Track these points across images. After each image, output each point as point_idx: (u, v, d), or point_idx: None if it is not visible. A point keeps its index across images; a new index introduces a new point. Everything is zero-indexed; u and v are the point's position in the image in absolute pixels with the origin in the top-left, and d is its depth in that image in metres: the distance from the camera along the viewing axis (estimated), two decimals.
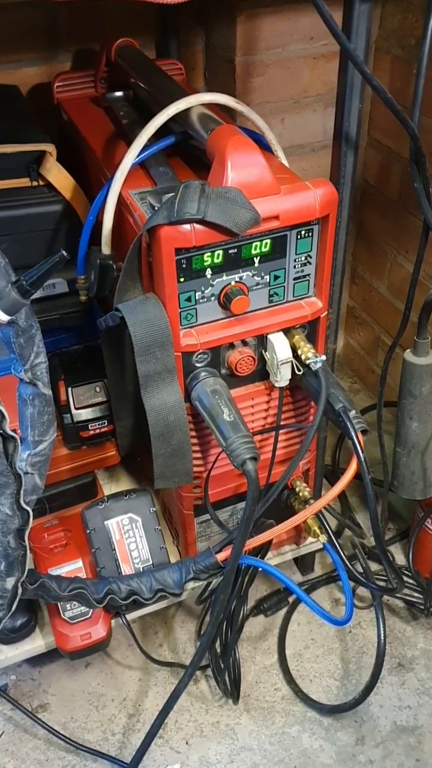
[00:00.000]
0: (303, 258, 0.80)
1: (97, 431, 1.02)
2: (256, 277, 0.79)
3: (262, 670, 1.15)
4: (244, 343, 0.83)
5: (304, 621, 1.21)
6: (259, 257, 0.77)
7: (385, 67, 1.27)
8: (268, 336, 0.82)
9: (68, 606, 0.96)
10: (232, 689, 1.08)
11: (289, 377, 0.84)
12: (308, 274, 0.82)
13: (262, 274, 0.79)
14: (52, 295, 0.98)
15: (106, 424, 1.01)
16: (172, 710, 0.91)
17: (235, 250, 0.75)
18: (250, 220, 0.71)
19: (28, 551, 0.75)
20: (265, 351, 0.84)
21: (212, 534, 1.02)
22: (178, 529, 1.04)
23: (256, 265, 0.78)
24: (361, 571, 1.15)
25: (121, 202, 0.81)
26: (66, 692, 1.12)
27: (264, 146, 0.85)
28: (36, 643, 1.00)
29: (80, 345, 1.07)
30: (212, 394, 0.79)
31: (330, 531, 1.01)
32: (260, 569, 0.87)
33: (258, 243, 0.76)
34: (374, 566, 1.23)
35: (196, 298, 0.77)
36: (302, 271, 0.81)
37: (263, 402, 0.89)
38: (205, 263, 0.74)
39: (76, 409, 1.00)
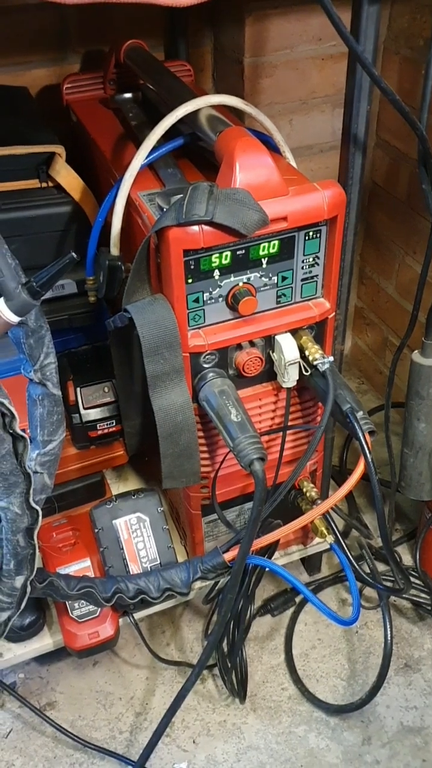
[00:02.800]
0: (311, 259, 0.80)
1: (106, 431, 1.02)
2: (263, 278, 0.79)
3: (268, 669, 1.15)
4: (252, 344, 0.83)
5: (311, 621, 1.21)
6: (266, 258, 0.77)
7: (393, 68, 1.27)
8: (276, 337, 0.82)
9: (76, 605, 0.96)
10: (238, 688, 1.08)
11: (297, 378, 0.84)
12: (316, 275, 0.82)
13: (270, 275, 0.79)
14: (62, 296, 0.98)
15: (114, 424, 1.02)
16: (179, 709, 0.91)
17: (243, 252, 0.76)
18: (258, 221, 0.71)
19: (37, 550, 0.76)
20: (273, 352, 0.84)
21: (219, 534, 1.02)
22: (185, 528, 1.04)
23: (264, 266, 0.78)
24: (368, 571, 1.15)
25: (129, 203, 0.82)
26: (74, 690, 1.13)
27: (272, 147, 0.85)
28: (44, 642, 1.01)
29: (89, 345, 1.08)
30: (220, 394, 0.80)
31: (337, 531, 1.01)
32: (267, 569, 0.88)
33: (266, 244, 0.76)
34: (381, 567, 1.23)
35: (204, 299, 0.77)
36: (310, 272, 0.81)
37: (270, 403, 0.89)
38: (213, 264, 0.75)
39: (85, 409, 1.00)
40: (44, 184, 0.94)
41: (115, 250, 0.84)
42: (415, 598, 1.20)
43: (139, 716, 1.09)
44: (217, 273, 0.76)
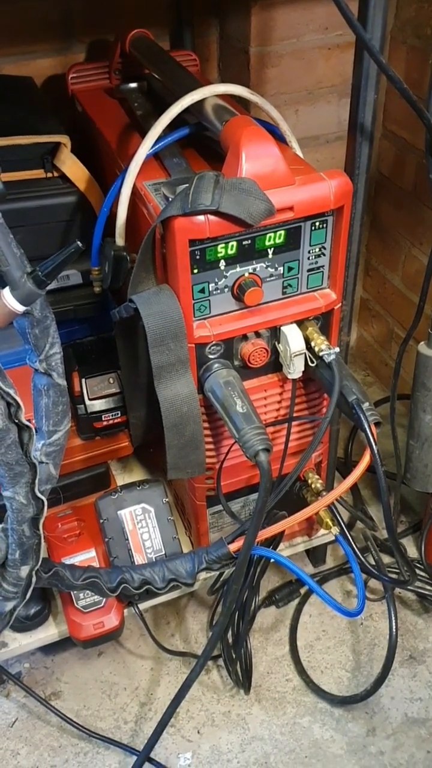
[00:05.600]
0: (317, 249, 0.80)
1: (111, 422, 1.02)
2: (269, 269, 0.79)
3: (273, 660, 1.15)
4: (258, 334, 0.83)
5: (316, 612, 1.21)
6: (273, 249, 0.77)
7: (400, 57, 1.26)
8: (282, 328, 0.82)
9: (81, 595, 0.97)
10: (243, 679, 1.08)
11: (303, 369, 0.84)
12: (322, 266, 0.82)
13: (276, 266, 0.79)
14: (67, 287, 0.98)
15: (119, 414, 1.02)
16: (183, 699, 0.91)
17: (249, 242, 0.75)
18: (264, 211, 0.71)
19: (42, 540, 0.76)
20: (279, 343, 0.84)
21: (224, 525, 1.03)
22: (190, 519, 1.04)
23: (270, 256, 0.78)
24: (373, 563, 1.15)
25: (135, 193, 0.81)
26: (79, 680, 1.13)
27: (278, 137, 0.85)
28: (49, 632, 1.01)
29: (94, 336, 1.08)
30: (225, 385, 0.79)
31: (342, 523, 1.01)
32: (272, 560, 0.88)
33: (272, 234, 0.76)
34: (386, 559, 1.23)
35: (210, 289, 0.77)
36: (316, 262, 0.81)
37: (276, 394, 0.89)
38: (219, 255, 0.74)
39: (90, 399, 1.00)
40: (49, 174, 0.94)
41: (120, 241, 0.83)
42: (420, 590, 1.20)
43: (143, 706, 1.10)
44: (222, 263, 0.75)
